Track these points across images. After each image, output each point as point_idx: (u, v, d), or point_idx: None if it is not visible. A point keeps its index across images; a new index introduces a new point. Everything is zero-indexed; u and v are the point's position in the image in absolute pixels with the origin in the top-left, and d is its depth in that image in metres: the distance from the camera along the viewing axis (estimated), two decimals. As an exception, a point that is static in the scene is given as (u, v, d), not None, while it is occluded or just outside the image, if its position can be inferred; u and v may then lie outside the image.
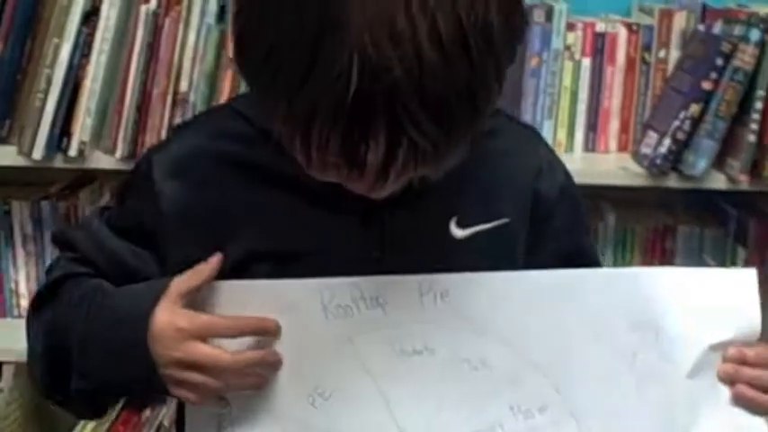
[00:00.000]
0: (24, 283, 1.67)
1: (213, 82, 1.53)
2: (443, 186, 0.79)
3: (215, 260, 0.82)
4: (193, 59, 1.51)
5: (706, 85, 1.51)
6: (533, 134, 1.01)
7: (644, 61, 1.62)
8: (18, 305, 1.67)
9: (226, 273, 0.83)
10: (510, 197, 0.90)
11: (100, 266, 0.89)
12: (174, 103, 1.52)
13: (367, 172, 0.69)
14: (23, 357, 1.55)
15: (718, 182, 1.58)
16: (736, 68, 1.49)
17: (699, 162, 1.54)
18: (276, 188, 0.84)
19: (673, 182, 1.58)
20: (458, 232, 0.86)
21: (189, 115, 1.52)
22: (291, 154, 0.73)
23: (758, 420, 0.79)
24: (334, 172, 0.72)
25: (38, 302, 0.90)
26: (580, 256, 0.92)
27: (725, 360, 0.79)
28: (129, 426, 1.72)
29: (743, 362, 0.79)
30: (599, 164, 1.63)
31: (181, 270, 0.84)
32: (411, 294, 0.81)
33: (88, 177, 1.70)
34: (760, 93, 1.51)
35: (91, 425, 1.71)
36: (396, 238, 0.85)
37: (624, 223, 1.68)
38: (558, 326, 0.81)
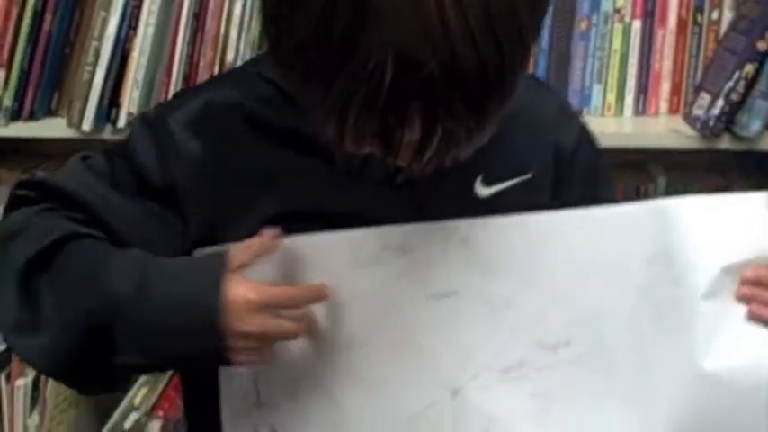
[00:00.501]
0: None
1: (260, 51, 1.52)
2: None
3: (268, 236, 0.81)
4: (240, 30, 1.51)
5: (761, 46, 1.48)
6: (543, 86, 1.01)
7: (696, 23, 1.58)
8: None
9: (249, 236, 0.83)
10: (531, 152, 0.91)
11: (102, 218, 0.84)
12: (222, 73, 1.52)
13: (401, 155, 0.71)
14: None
15: (773, 143, 1.56)
16: (793, 28, 1.46)
17: (753, 123, 1.52)
18: (301, 152, 0.84)
19: (725, 144, 1.56)
20: (484, 191, 0.88)
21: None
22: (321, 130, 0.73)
23: None
24: (368, 150, 0.73)
25: (36, 266, 0.81)
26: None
27: (742, 282, 0.80)
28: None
29: (759, 282, 0.80)
30: (650, 127, 1.60)
31: (203, 231, 0.84)
32: (436, 240, 0.83)
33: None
34: (816, 52, 1.48)
35: (144, 390, 1.74)
36: (423, 200, 0.86)
37: (675, 187, 1.66)
38: (577, 263, 0.83)
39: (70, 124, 1.53)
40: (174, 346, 0.79)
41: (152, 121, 0.88)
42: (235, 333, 0.78)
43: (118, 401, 1.74)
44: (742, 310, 0.80)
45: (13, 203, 0.89)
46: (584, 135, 0.97)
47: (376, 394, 0.84)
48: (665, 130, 1.59)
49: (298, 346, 0.83)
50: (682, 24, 1.58)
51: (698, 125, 1.55)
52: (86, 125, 1.51)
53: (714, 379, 0.78)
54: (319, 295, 0.82)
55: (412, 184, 0.85)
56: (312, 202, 0.85)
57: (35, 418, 1.64)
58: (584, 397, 0.83)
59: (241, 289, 0.78)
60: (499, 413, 0.84)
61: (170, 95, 1.52)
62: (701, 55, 1.59)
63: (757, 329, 0.79)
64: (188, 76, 1.52)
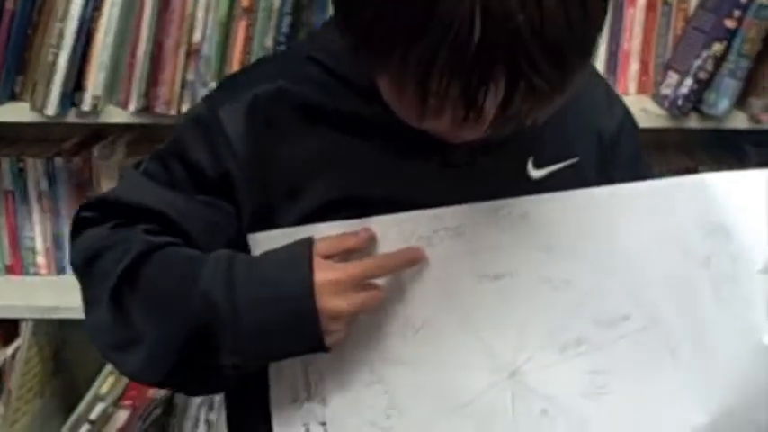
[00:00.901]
0: (41, 241, 1.66)
1: (227, 32, 1.51)
2: (522, 129, 0.80)
3: (364, 233, 0.82)
4: (206, 9, 1.49)
5: (729, 24, 1.49)
6: (592, 69, 1.00)
7: (665, 2, 1.59)
8: (35, 263, 1.67)
9: (301, 221, 0.84)
10: (577, 135, 0.91)
11: (175, 223, 0.85)
12: (188, 54, 1.50)
13: (483, 116, 0.70)
14: (40, 314, 1.58)
15: (741, 121, 1.56)
16: (761, 5, 1.47)
17: (721, 102, 1.53)
18: (354, 135, 0.84)
19: (694, 122, 1.56)
20: (534, 173, 0.88)
21: (203, 67, 1.50)
22: (390, 102, 0.74)
23: None
24: (448, 119, 0.72)
25: (123, 282, 0.83)
26: None
27: None
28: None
29: None
30: (619, 106, 1.60)
31: (256, 217, 0.84)
32: (490, 220, 0.82)
33: (101, 133, 1.68)
34: (784, 29, 1.49)
35: (111, 379, 1.72)
36: (475, 182, 0.85)
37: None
38: (633, 237, 0.82)
39: (34, 108, 1.50)
40: (274, 342, 0.79)
41: (202, 116, 0.87)
42: (330, 315, 0.79)
43: (84, 391, 1.71)
44: None
45: (78, 227, 0.89)
46: (627, 118, 0.97)
47: (430, 380, 0.83)
48: (633, 109, 1.54)
49: (349, 334, 0.82)
50: (651, 3, 1.58)
51: (666, 104, 1.55)
52: (50, 109, 1.49)
53: None
54: (415, 257, 0.82)
55: (465, 167, 0.85)
56: (365, 187, 0.85)
57: (-1, 408, 1.61)
58: (642, 373, 0.82)
59: (327, 272, 0.79)
60: (557, 392, 0.83)
61: (135, 77, 1.50)
62: (670, 34, 1.59)
63: None
64: (154, 57, 1.50)
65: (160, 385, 0.89)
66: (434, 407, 0.83)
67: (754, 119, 1.55)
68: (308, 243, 0.80)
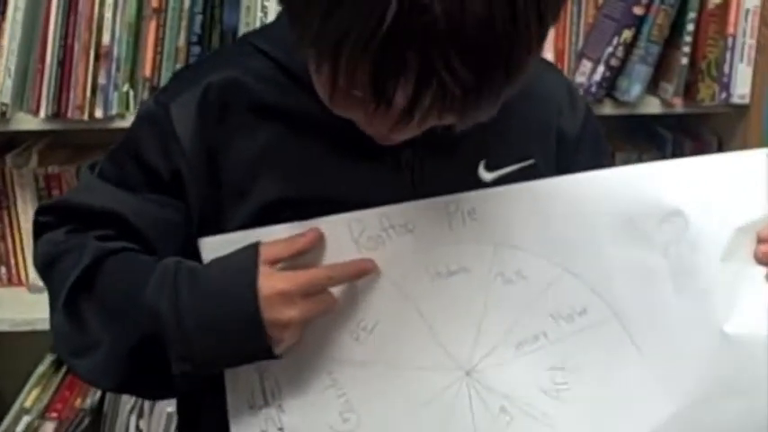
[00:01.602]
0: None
1: (137, 33, 1.48)
2: (472, 130, 0.79)
3: (311, 234, 0.80)
4: (114, 11, 1.46)
5: (637, 10, 1.51)
6: (554, 69, 0.99)
7: (575, -10, 1.60)
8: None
9: (250, 219, 0.82)
10: (535, 137, 0.89)
11: (131, 224, 0.84)
12: (98, 57, 1.47)
13: (392, 110, 0.68)
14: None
15: (653, 106, 1.59)
16: (668, -8, 1.49)
17: (633, 87, 1.55)
18: (304, 134, 0.82)
19: (608, 109, 1.58)
20: (486, 175, 0.86)
21: (114, 69, 1.48)
22: (316, 86, 0.72)
23: None
24: (358, 108, 0.70)
25: (78, 289, 0.83)
26: None
27: (760, 239, 0.79)
28: (75, 390, 1.69)
29: None
30: (535, 96, 1.61)
31: (206, 215, 0.83)
32: (439, 217, 0.81)
33: (14, 141, 1.64)
34: (691, 15, 1.52)
35: (35, 392, 1.69)
36: (426, 184, 0.84)
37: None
38: (587, 229, 0.81)
39: (-59, 118, 1.46)
40: (222, 352, 0.78)
41: (153, 113, 0.86)
42: (277, 325, 0.77)
43: (8, 405, 1.68)
44: (760, 270, 0.79)
45: (37, 231, 0.88)
46: (590, 117, 0.95)
47: (386, 382, 0.82)
48: None
49: (303, 338, 0.81)
50: (561, -8, 1.60)
51: (581, 92, 1.57)
52: (-42, 118, 1.45)
53: (736, 341, 0.77)
54: (365, 269, 0.80)
55: (416, 169, 0.83)
56: (313, 186, 0.83)
57: None
58: (603, 366, 0.81)
59: (275, 282, 0.77)
60: (516, 389, 0.82)
61: (45, 82, 1.47)
62: (582, 21, 1.61)
63: None
64: (63, 61, 1.47)
65: (118, 390, 0.89)
66: (392, 408, 0.82)
67: (666, 103, 1.58)
68: (254, 251, 0.78)
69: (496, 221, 0.81)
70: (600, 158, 0.94)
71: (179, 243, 0.84)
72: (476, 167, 0.86)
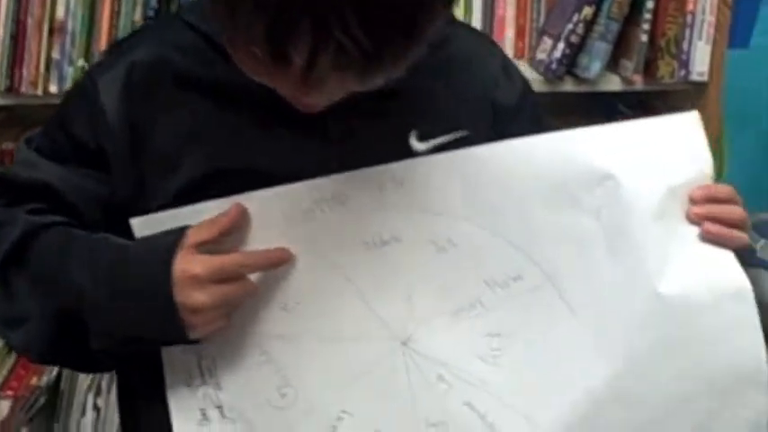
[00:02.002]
0: None
1: (92, 6, 1.46)
2: (403, 100, 0.78)
3: (234, 212, 0.79)
4: (68, -17, 1.44)
5: (598, -13, 1.51)
6: (487, 41, 0.98)
7: (537, -33, 1.60)
8: None
9: (179, 193, 0.81)
10: (468, 109, 0.88)
11: (62, 197, 0.85)
12: (51, 31, 1.45)
13: (291, 70, 0.67)
14: None
15: (613, 83, 1.59)
16: (627, -32, 1.49)
17: (593, 64, 1.55)
18: (231, 106, 0.82)
19: (569, 86, 1.59)
20: (418, 146, 0.85)
21: (68, 44, 1.45)
22: (223, 46, 0.72)
23: (726, 253, 0.79)
24: (263, 69, 0.70)
25: (9, 262, 0.84)
26: None
27: (692, 200, 0.79)
28: (31, 368, 1.68)
29: (710, 199, 0.79)
30: (495, 72, 1.61)
31: (133, 192, 0.83)
32: (370, 187, 0.81)
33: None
34: (651, -8, 1.52)
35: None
36: (355, 154, 0.83)
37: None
38: (519, 195, 0.81)
39: None
40: (137, 329, 0.78)
41: (83, 86, 0.86)
42: (188, 309, 0.76)
43: (-37, 384, 1.65)
44: (692, 230, 0.78)
45: None
46: (527, 88, 0.94)
47: (321, 354, 0.82)
48: None
49: (236, 316, 0.80)
50: (524, -33, 1.59)
51: (541, 69, 1.57)
52: None
53: (670, 301, 0.76)
54: (280, 258, 0.80)
55: (346, 140, 0.83)
56: (241, 159, 0.83)
57: None
58: (540, 332, 0.81)
59: (188, 265, 0.76)
60: (452, 357, 0.81)
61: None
62: (543, -1, 1.61)
63: (708, 248, 0.78)
64: (16, 36, 1.44)
65: (48, 362, 0.92)
66: (328, 381, 0.82)
67: (626, 80, 1.58)
68: (179, 233, 0.78)
69: (427, 190, 0.81)
70: (540, 131, 0.94)
71: (110, 216, 0.84)
72: (407, 138, 0.85)
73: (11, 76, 1.46)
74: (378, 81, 0.70)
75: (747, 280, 0.78)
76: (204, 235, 0.78)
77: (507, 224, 0.81)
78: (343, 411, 0.81)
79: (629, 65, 1.57)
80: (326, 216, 0.80)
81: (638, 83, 1.58)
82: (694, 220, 0.79)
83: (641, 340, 0.78)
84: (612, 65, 1.58)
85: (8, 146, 1.60)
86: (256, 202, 0.80)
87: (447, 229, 0.81)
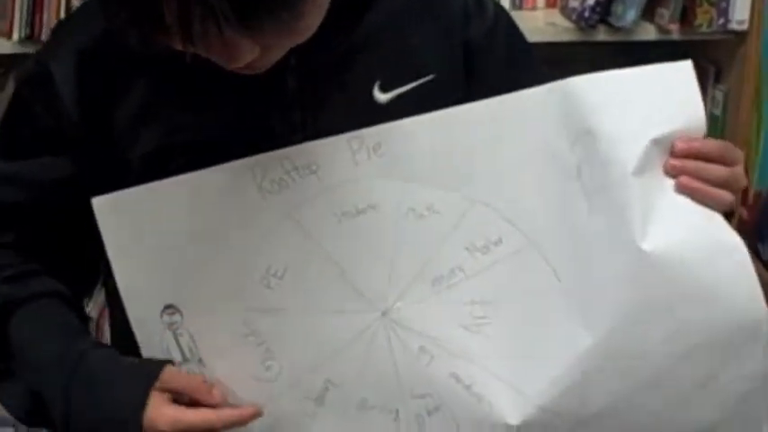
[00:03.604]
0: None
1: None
2: (365, 52, 0.76)
3: (216, 396, 0.78)
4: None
5: (634, -69, 1.46)
6: None
7: None
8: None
9: (141, 168, 0.79)
10: (434, 50, 0.84)
11: (28, 214, 0.83)
12: (71, -22, 1.43)
13: (171, 33, 0.64)
14: None
15: (649, 33, 1.55)
16: None
17: (628, 12, 1.51)
18: (186, 79, 0.77)
19: (602, 35, 1.55)
20: (380, 97, 0.83)
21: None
22: None
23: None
24: (133, 25, 0.66)
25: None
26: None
27: (672, 153, 0.74)
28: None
29: (690, 154, 0.74)
30: (527, 21, 1.57)
31: (91, 173, 0.80)
32: (343, 154, 0.78)
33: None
34: (689, -64, 1.47)
35: None
36: (318, 111, 0.81)
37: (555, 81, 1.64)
38: (496, 157, 0.78)
39: None
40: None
41: (34, 72, 0.84)
42: None
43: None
44: (672, 184, 0.74)
45: None
46: (500, 22, 0.89)
47: (303, 327, 0.80)
48: (541, 23, 1.56)
49: (215, 290, 0.79)
50: None
51: (574, 17, 1.52)
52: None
53: (655, 259, 0.73)
54: (248, 415, 0.79)
55: (306, 98, 0.80)
56: (201, 130, 0.80)
57: None
58: (523, 296, 0.78)
59: (157, 419, 0.76)
60: (435, 327, 0.79)
61: (18, 4, 1.43)
62: (576, -57, 1.56)
63: (689, 203, 0.74)
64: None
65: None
66: (312, 353, 0.80)
67: (662, 29, 1.53)
68: (152, 376, 0.77)
69: (402, 155, 0.78)
70: (513, 66, 0.89)
71: (79, 200, 0.81)
72: (371, 90, 0.82)
73: (31, 23, 1.44)
74: (279, 43, 0.68)
75: (735, 233, 0.74)
76: (178, 386, 0.78)
77: (486, 187, 0.78)
78: (329, 382, 0.80)
79: (665, 13, 1.52)
80: (299, 186, 0.78)
81: (675, 32, 1.53)
82: (670, 172, 0.74)
83: (628, 300, 0.74)
84: (648, 14, 1.53)
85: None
86: (228, 173, 0.77)
87: (425, 195, 0.79)
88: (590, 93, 0.75)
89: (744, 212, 1.63)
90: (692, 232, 0.74)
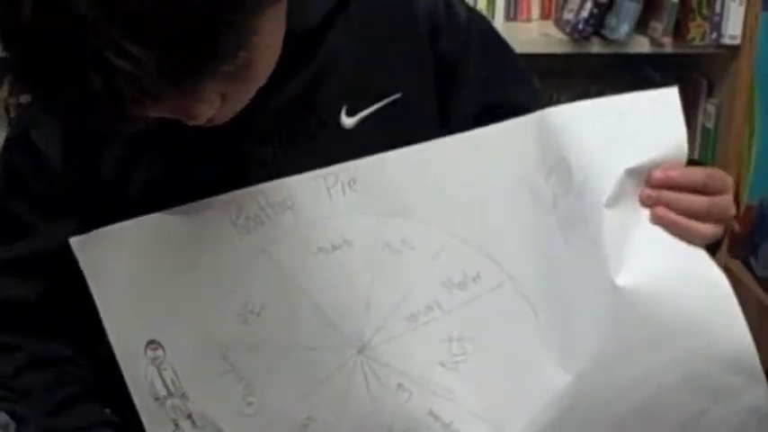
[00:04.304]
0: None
1: None
2: (327, 79, 0.75)
3: None
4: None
5: (628, -55, 1.47)
6: None
7: (565, -77, 1.56)
8: None
9: (135, 211, 0.79)
10: (401, 68, 0.82)
11: (28, 308, 0.83)
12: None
13: (103, 105, 0.61)
14: None
15: (642, 45, 1.56)
16: (659, -73, 1.45)
17: (621, 25, 1.51)
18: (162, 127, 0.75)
19: (596, 47, 1.55)
20: (348, 121, 0.81)
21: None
22: None
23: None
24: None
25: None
26: (507, 110, 0.79)
27: (648, 183, 0.70)
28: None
29: (667, 184, 0.70)
30: (521, 32, 1.58)
31: (92, 219, 0.79)
32: (318, 190, 0.77)
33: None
34: (683, -50, 1.48)
35: None
36: (288, 145, 0.80)
37: (549, 92, 1.65)
38: (473, 191, 0.76)
39: None
40: None
41: (15, 140, 0.84)
42: None
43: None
44: (647, 214, 0.71)
45: None
46: (473, 35, 0.85)
47: (281, 363, 0.79)
48: (536, 35, 1.57)
49: (195, 325, 0.79)
50: (551, -74, 1.55)
51: (568, 29, 1.53)
52: None
53: (630, 294, 0.70)
54: None
55: (276, 135, 0.80)
56: (186, 168, 0.79)
57: None
58: (501, 333, 0.76)
59: None
60: (413, 364, 0.78)
61: None
62: (571, -44, 1.56)
63: (666, 235, 0.71)
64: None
65: None
66: (291, 389, 0.79)
67: (655, 42, 1.54)
68: None
69: (377, 190, 0.77)
70: (492, 82, 0.86)
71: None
72: (339, 116, 0.81)
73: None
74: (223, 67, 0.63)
75: (716, 265, 0.71)
76: None
77: (462, 221, 0.77)
78: (309, 418, 0.80)
79: (658, 26, 1.52)
80: (274, 222, 0.77)
81: (668, 45, 1.54)
82: (645, 202, 0.71)
83: (605, 338, 0.72)
84: (642, 26, 1.54)
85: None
86: (203, 211, 0.77)
87: (401, 230, 0.78)
88: (567, 122, 0.73)
89: (736, 226, 1.64)
90: (667, 266, 0.71)
